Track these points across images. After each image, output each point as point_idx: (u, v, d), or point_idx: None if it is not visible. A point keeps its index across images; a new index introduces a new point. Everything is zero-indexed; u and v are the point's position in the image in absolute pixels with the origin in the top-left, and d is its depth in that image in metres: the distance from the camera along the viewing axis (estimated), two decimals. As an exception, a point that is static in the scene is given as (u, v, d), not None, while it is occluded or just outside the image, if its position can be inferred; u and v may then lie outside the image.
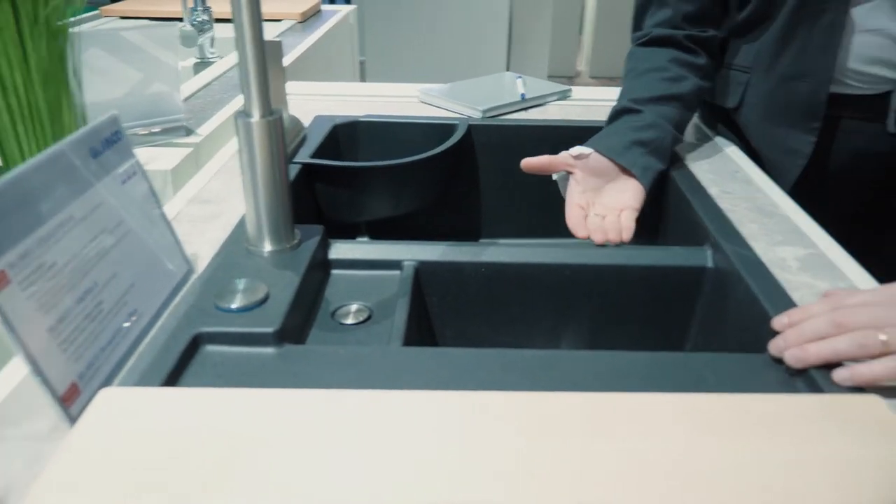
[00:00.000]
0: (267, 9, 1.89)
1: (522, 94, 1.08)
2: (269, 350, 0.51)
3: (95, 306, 0.46)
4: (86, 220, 0.47)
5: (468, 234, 1.06)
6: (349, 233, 0.98)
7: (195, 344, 0.50)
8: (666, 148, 0.82)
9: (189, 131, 0.93)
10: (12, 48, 0.60)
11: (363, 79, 2.83)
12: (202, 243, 0.64)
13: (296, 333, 0.56)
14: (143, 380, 0.46)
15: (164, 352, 0.48)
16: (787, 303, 0.56)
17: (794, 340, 0.49)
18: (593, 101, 1.12)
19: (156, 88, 0.91)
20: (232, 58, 1.33)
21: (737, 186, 0.81)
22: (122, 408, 0.41)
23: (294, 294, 0.55)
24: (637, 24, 0.93)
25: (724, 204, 0.75)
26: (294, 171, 0.80)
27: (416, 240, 0.69)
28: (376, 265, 0.66)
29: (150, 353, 0.48)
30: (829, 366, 0.47)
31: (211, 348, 0.51)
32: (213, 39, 1.48)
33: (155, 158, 0.84)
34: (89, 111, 0.70)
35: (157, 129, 0.92)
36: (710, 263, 0.67)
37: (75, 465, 0.37)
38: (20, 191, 0.42)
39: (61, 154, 0.46)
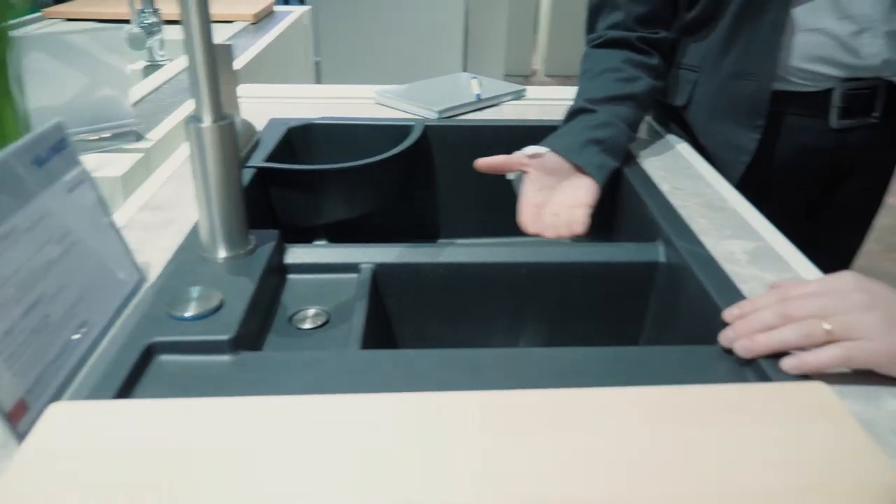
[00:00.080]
0: (218, 10, 1.86)
1: (478, 95, 1.09)
2: (225, 358, 0.50)
3: (42, 319, 0.45)
4: (31, 231, 0.45)
5: (427, 234, 1.06)
6: (306, 237, 0.97)
7: (148, 354, 0.49)
8: (620, 146, 0.83)
9: (139, 136, 0.91)
10: (-51, 54, 0.58)
11: (319, 80, 2.81)
12: (154, 251, 0.63)
13: (252, 340, 0.55)
14: (95, 393, 0.45)
15: (115, 363, 0.47)
16: (736, 295, 0.58)
17: (743, 331, 0.51)
18: (547, 101, 1.13)
19: (103, 93, 0.89)
20: (183, 60, 1.31)
21: (687, 183, 0.83)
22: (73, 423, 0.40)
23: (249, 300, 0.54)
24: (591, 26, 0.95)
25: (675, 200, 0.77)
26: (248, 175, 0.79)
27: (375, 242, 0.69)
28: (333, 269, 0.66)
29: (101, 365, 0.47)
30: (777, 355, 0.49)
31: (165, 358, 0.50)
32: (162, 42, 1.45)
33: (104, 165, 0.82)
34: (33, 118, 0.68)
35: (106, 135, 0.89)
36: (662, 258, 0.69)
37: (24, 484, 0.36)
38: (-40, 202, 0.40)
39: (3, 163, 0.45)
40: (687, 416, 0.43)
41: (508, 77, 2.78)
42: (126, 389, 0.46)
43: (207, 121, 0.55)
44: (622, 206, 0.87)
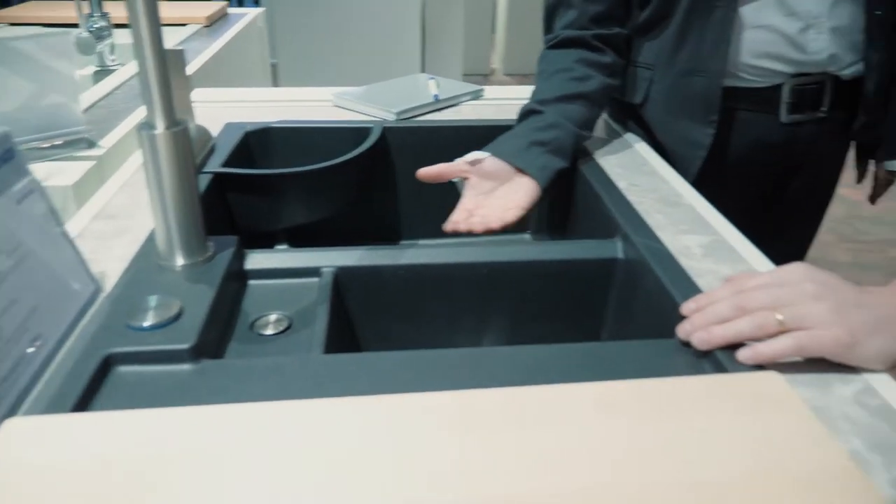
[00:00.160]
0: (170, 13, 1.83)
1: (435, 95, 1.09)
2: (186, 367, 0.49)
3: (-6, 333, 0.43)
4: (-21, 244, 0.44)
5: (388, 236, 1.06)
6: (267, 242, 0.97)
7: (106, 365, 0.49)
8: (567, 147, 0.84)
9: (91, 143, 0.89)
10: None
11: (276, 82, 2.78)
12: (110, 260, 0.62)
13: (213, 348, 0.55)
14: (52, 407, 0.44)
15: (72, 376, 0.46)
16: (692, 289, 0.59)
17: (700, 324, 0.52)
18: (505, 101, 1.14)
19: (52, 100, 0.87)
20: (135, 65, 1.28)
21: (644, 179, 0.84)
22: (29, 438, 0.39)
23: (209, 308, 0.54)
24: (547, 26, 0.96)
25: (632, 196, 0.78)
26: (204, 181, 0.78)
27: (336, 245, 0.68)
28: (294, 273, 0.65)
29: (57, 379, 0.46)
30: (733, 346, 0.50)
31: (124, 369, 0.49)
32: (112, 46, 1.42)
33: (55, 174, 0.80)
34: (-21, 127, 0.66)
35: (57, 143, 0.87)
36: (620, 255, 0.70)
37: (-21, 503, 0.35)
38: None
39: (-52, 175, 0.43)
40: (647, 409, 0.43)
41: (467, 76, 2.79)
42: (84, 402, 0.45)
43: (160, 127, 0.54)
44: (580, 203, 0.88)
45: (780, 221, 1.06)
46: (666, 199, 0.78)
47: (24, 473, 0.37)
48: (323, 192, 0.89)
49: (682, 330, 0.53)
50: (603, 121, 1.07)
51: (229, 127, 0.96)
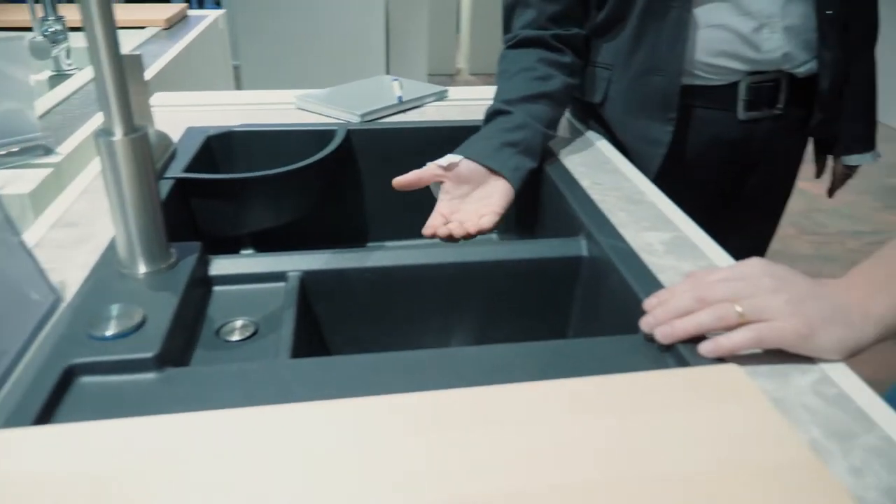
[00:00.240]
0: (128, 16, 1.81)
1: (399, 97, 1.09)
2: (150, 375, 0.49)
3: (-50, 347, 0.43)
4: (-68, 256, 0.43)
5: (355, 238, 1.06)
6: (232, 246, 0.96)
7: (68, 377, 0.48)
8: (536, 146, 0.85)
9: (48, 150, 0.87)
10: None
11: (239, 84, 2.75)
12: (70, 269, 0.61)
13: (178, 356, 0.54)
14: (12, 420, 0.43)
15: (33, 388, 0.45)
16: (655, 285, 0.60)
17: (662, 317, 0.53)
18: (469, 101, 1.15)
19: (6, 106, 0.85)
20: (92, 70, 1.26)
21: (606, 177, 0.85)
22: (-12, 453, 0.39)
23: (173, 315, 0.53)
24: (506, 26, 0.96)
25: (595, 195, 0.79)
26: (166, 187, 0.77)
27: (303, 248, 0.68)
28: (259, 278, 0.65)
29: (17, 391, 0.45)
30: (695, 340, 0.51)
31: (86, 380, 0.48)
32: (69, 50, 1.39)
33: (11, 181, 0.78)
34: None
35: (14, 150, 0.86)
36: (584, 252, 0.71)
37: (-63, 521, 0.34)
38: None
39: None
40: (612, 405, 0.44)
41: (433, 76, 2.80)
42: (46, 415, 0.44)
43: (118, 134, 0.53)
44: (545, 202, 0.89)
45: (741, 217, 1.08)
46: (629, 196, 0.79)
47: (-17, 489, 0.36)
48: (287, 195, 0.89)
49: (646, 323, 0.54)
50: (566, 120, 1.08)
51: (191, 131, 0.95)
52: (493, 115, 0.87)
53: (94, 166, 0.85)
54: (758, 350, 0.51)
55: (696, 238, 0.70)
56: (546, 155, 0.91)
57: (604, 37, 0.97)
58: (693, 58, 0.91)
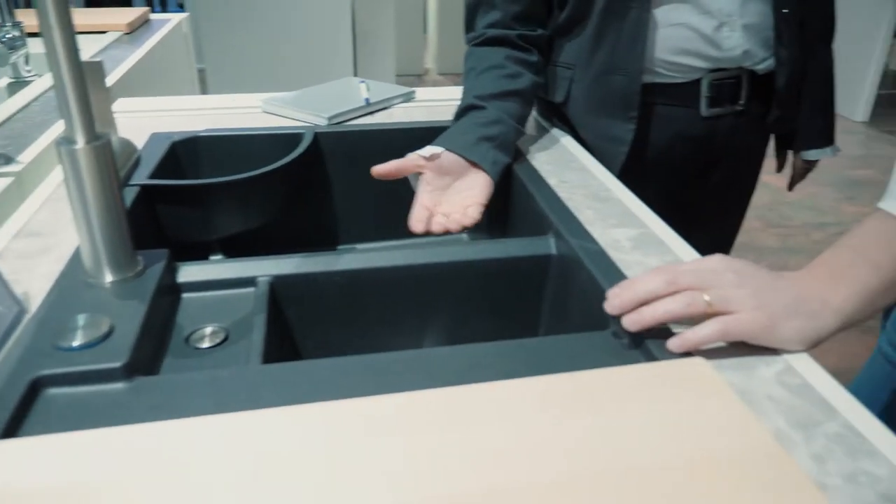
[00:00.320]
0: (88, 20, 1.78)
1: (367, 99, 1.09)
2: (119, 385, 0.48)
3: (-90, 363, 0.42)
4: None
5: (326, 241, 1.05)
6: (201, 252, 0.95)
7: (35, 388, 0.47)
8: (510, 142, 0.86)
9: (8, 159, 0.85)
10: None
11: (204, 88, 2.72)
12: (34, 280, 0.60)
13: (147, 364, 0.54)
14: (-24, 435, 0.42)
15: (-2, 402, 0.45)
16: (622, 280, 0.61)
17: (628, 298, 0.53)
18: (437, 102, 1.15)
19: (-36, 115, 0.83)
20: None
21: (573, 176, 0.86)
22: (-47, 470, 0.38)
23: (141, 324, 0.53)
24: (469, 25, 0.97)
25: (562, 193, 0.80)
26: (131, 194, 0.76)
27: (273, 252, 0.68)
28: (229, 284, 0.65)
29: (-19, 406, 0.44)
30: (663, 336, 0.52)
31: (54, 391, 0.48)
32: (27, 56, 1.36)
33: (-29, 191, 0.77)
34: None
35: (-28, 159, 0.84)
36: (553, 251, 0.71)
37: None
38: None
39: None
40: (582, 401, 0.45)
41: (401, 77, 2.79)
42: (12, 428, 0.44)
43: (81, 142, 0.52)
44: (513, 201, 0.89)
45: (705, 212, 1.10)
46: (595, 194, 0.80)
47: (-52, 507, 0.35)
48: (256, 200, 0.88)
49: (611, 305, 0.53)
50: (532, 118, 1.09)
51: (155, 137, 0.94)
52: (466, 109, 0.88)
53: (57, 175, 0.84)
54: (723, 343, 0.52)
55: (662, 234, 0.71)
56: (514, 153, 0.92)
57: (566, 36, 0.98)
58: (654, 56, 0.93)
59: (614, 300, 0.53)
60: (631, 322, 0.52)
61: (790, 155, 1.17)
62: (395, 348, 0.72)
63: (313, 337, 0.70)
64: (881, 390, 0.91)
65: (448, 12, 4.74)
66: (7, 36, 1.30)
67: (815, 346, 0.52)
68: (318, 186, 1.01)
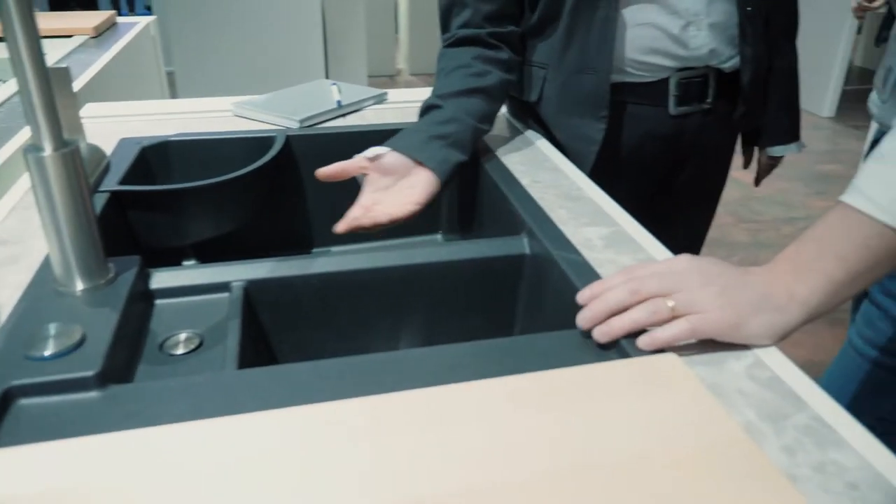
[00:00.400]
0: (53, 24, 1.75)
1: (338, 101, 1.09)
2: (93, 394, 0.48)
3: None
4: None
5: (300, 245, 1.05)
6: (174, 258, 0.94)
7: (6, 399, 0.46)
8: (466, 140, 0.85)
9: (-26, 166, 0.84)
10: None
11: (174, 92, 2.69)
12: (2, 289, 0.59)
13: (121, 372, 0.53)
14: (-54, 449, 0.42)
15: (-32, 414, 0.44)
16: (595, 279, 0.62)
17: (598, 310, 0.54)
18: (409, 103, 1.15)
19: (-73, 122, 0.81)
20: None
21: (545, 175, 0.87)
22: (-77, 484, 0.37)
23: (113, 331, 0.52)
24: (444, 26, 0.97)
25: (535, 192, 0.81)
26: (101, 200, 0.75)
27: (248, 257, 0.68)
28: (202, 290, 0.64)
29: (-49, 419, 0.44)
30: (634, 334, 0.53)
31: (26, 402, 0.47)
32: (-8, 61, 1.34)
33: (-65, 200, 0.76)
34: None
35: (-65, 167, 0.82)
36: (527, 250, 0.72)
37: None
38: None
39: None
40: (556, 399, 0.45)
41: (373, 78, 2.78)
42: (-17, 441, 0.43)
43: (48, 149, 0.52)
44: (486, 202, 0.90)
45: (676, 209, 1.11)
46: (567, 193, 0.81)
47: (-81, 522, 0.35)
48: (228, 204, 0.88)
49: (582, 318, 0.55)
50: (505, 119, 1.10)
51: (124, 143, 0.93)
52: (425, 110, 0.88)
53: (24, 182, 0.83)
54: (692, 340, 0.53)
55: (634, 232, 0.72)
56: (485, 153, 0.93)
57: (538, 36, 0.99)
58: (623, 55, 0.94)
59: (586, 313, 0.55)
60: (601, 334, 0.53)
61: (756, 151, 1.19)
62: (371, 350, 0.72)
63: (289, 341, 0.70)
64: (851, 381, 0.94)
65: (419, 12, 4.75)
66: (-30, 41, 1.28)
67: (782, 339, 0.53)
68: (291, 190, 1.01)
